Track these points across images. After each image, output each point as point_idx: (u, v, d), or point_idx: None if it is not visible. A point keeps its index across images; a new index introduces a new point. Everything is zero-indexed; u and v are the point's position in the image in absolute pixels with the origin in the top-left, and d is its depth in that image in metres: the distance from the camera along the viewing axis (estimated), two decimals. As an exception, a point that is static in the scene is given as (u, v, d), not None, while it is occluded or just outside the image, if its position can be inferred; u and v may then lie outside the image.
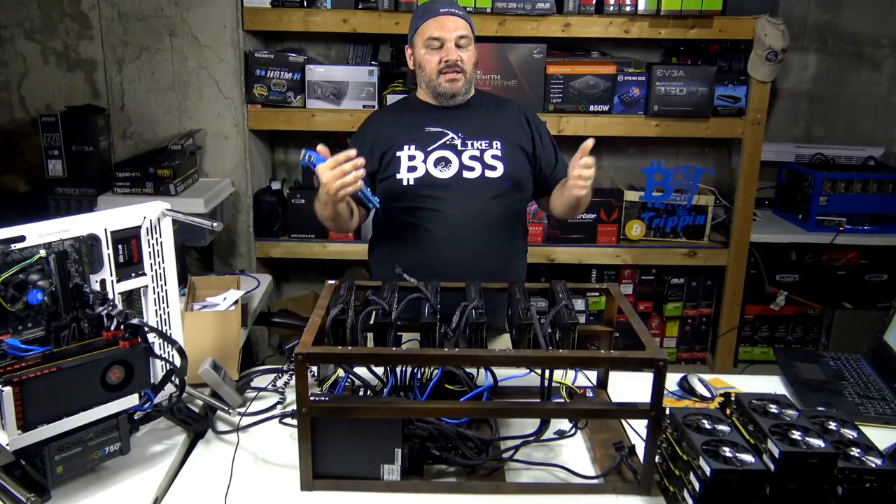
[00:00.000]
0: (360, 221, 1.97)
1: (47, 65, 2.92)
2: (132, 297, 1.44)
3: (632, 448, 1.39)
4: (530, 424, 1.43)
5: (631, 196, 3.08)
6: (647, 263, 3.17)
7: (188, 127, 2.94)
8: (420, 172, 1.91)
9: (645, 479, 1.32)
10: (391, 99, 2.81)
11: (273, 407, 1.58)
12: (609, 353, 1.36)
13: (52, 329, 1.27)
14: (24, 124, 2.97)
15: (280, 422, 1.49)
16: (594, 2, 2.80)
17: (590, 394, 1.66)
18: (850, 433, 1.27)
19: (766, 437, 1.19)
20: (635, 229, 3.10)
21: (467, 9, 2.04)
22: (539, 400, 1.38)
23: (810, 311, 3.31)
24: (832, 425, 1.29)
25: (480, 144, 1.95)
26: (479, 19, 2.68)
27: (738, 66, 3.07)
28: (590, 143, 1.74)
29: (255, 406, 1.59)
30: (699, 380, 1.70)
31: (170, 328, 1.50)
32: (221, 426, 1.52)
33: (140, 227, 1.41)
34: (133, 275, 1.41)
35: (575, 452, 1.44)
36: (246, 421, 1.52)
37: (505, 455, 1.38)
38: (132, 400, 1.28)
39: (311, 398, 1.28)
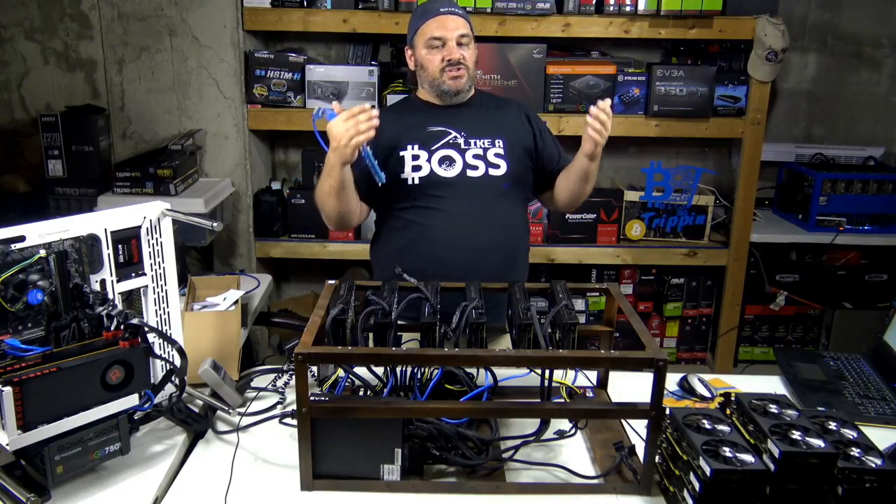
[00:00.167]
0: (362, 218, 1.97)
1: (47, 65, 2.92)
2: (132, 297, 1.44)
3: (632, 448, 1.39)
4: (530, 424, 1.43)
5: (631, 196, 3.08)
6: (647, 263, 3.17)
7: (188, 127, 2.94)
8: (425, 171, 1.91)
9: (645, 479, 1.32)
10: (391, 99, 2.81)
11: (273, 407, 1.58)
12: (609, 353, 1.36)
13: (52, 329, 1.27)
14: (24, 124, 2.97)
15: (280, 422, 1.49)
16: (594, 2, 2.80)
17: (590, 394, 1.66)
18: (850, 433, 1.27)
19: (766, 437, 1.19)
20: (635, 229, 3.10)
21: (467, 9, 2.04)
22: (539, 400, 1.38)
23: (810, 311, 3.31)
24: (832, 425, 1.29)
25: (483, 143, 1.95)
26: (479, 19, 2.69)
27: (738, 66, 3.07)
28: (607, 102, 1.77)
29: (255, 406, 1.59)
30: (699, 380, 1.70)
31: (170, 328, 1.50)
32: (221, 426, 1.52)
33: (140, 227, 1.41)
34: (133, 275, 1.41)
35: (575, 452, 1.44)
36: (246, 421, 1.52)
37: (505, 455, 1.38)
38: (132, 400, 1.28)
39: (311, 398, 1.28)
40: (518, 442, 1.39)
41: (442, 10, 1.94)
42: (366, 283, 1.61)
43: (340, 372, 1.52)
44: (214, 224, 1.59)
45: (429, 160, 1.92)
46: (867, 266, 3.29)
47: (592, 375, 1.72)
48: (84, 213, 1.41)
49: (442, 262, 1.86)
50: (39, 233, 1.26)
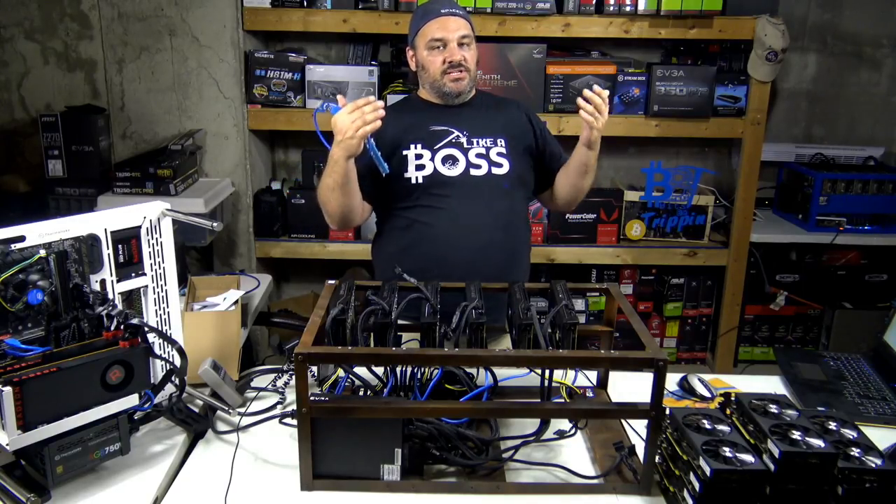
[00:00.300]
0: (364, 216, 1.97)
1: (47, 65, 2.92)
2: (132, 297, 1.44)
3: (632, 448, 1.39)
4: (530, 424, 1.43)
5: (631, 196, 3.08)
6: (647, 263, 3.17)
7: (188, 127, 2.94)
8: (428, 170, 1.91)
9: (645, 479, 1.32)
10: (391, 99, 2.81)
11: (273, 407, 1.58)
12: (609, 353, 1.36)
13: (52, 329, 1.27)
14: (24, 124, 2.97)
15: (280, 422, 1.49)
16: (594, 2, 2.80)
17: (590, 394, 1.66)
18: (850, 433, 1.27)
19: (766, 437, 1.19)
20: (635, 229, 3.10)
21: (467, 9, 2.04)
22: (539, 400, 1.38)
23: (810, 311, 3.31)
24: (832, 425, 1.29)
25: (486, 142, 1.96)
26: (479, 19, 2.68)
27: (738, 66, 3.07)
28: (601, 91, 1.78)
29: (255, 406, 1.59)
30: (699, 380, 1.70)
31: (170, 328, 1.50)
32: (221, 426, 1.52)
33: (140, 227, 1.41)
34: (133, 275, 1.41)
35: (575, 452, 1.44)
36: (246, 421, 1.52)
37: (505, 455, 1.38)
38: (132, 400, 1.28)
39: (311, 398, 1.28)
40: (518, 442, 1.39)
41: (443, 10, 1.94)
42: (366, 283, 1.61)
43: (340, 372, 1.52)
44: (214, 224, 1.59)
45: (432, 159, 1.92)
46: (867, 266, 3.29)
47: (592, 375, 1.72)
48: (84, 213, 1.41)
49: (446, 260, 1.87)
50: (39, 233, 1.26)
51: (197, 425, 1.48)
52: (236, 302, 1.93)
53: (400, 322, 1.44)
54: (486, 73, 2.82)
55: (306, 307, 3.20)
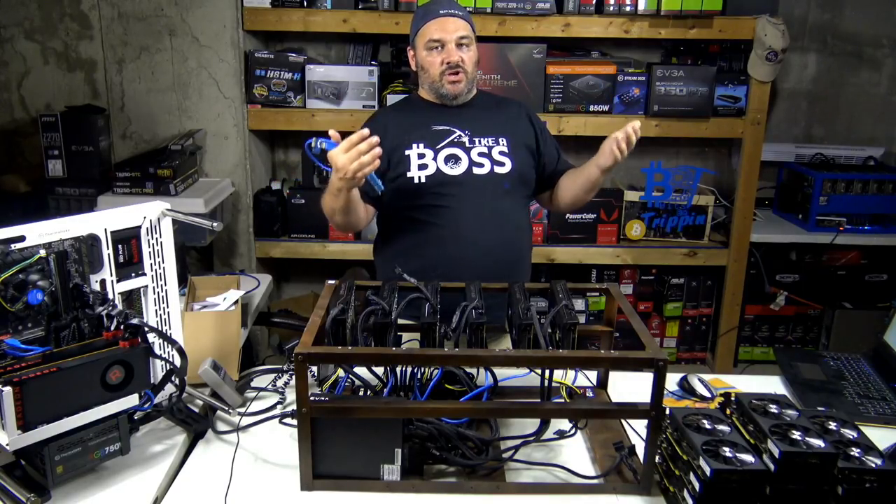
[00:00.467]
0: (369, 219, 1.97)
1: (47, 65, 2.92)
2: (132, 297, 1.44)
3: (632, 448, 1.39)
4: (530, 424, 1.43)
5: (631, 196, 3.08)
6: (647, 263, 3.17)
7: (188, 127, 2.94)
8: (431, 170, 1.91)
9: (645, 479, 1.32)
10: (391, 99, 2.81)
11: (273, 407, 1.58)
12: (609, 353, 1.36)
13: (52, 329, 1.27)
14: (24, 124, 2.97)
15: (280, 422, 1.49)
16: (594, 2, 2.80)
17: (590, 394, 1.66)
18: (850, 433, 1.27)
19: (766, 437, 1.19)
20: (635, 229, 3.10)
21: (467, 9, 2.04)
22: (539, 400, 1.38)
23: (810, 311, 3.31)
24: (832, 425, 1.29)
25: (488, 141, 1.96)
26: (479, 19, 2.68)
27: (738, 66, 3.08)
28: (637, 123, 1.77)
29: (255, 406, 1.59)
30: (699, 380, 1.70)
31: (170, 328, 1.50)
32: (221, 426, 1.52)
33: (140, 227, 1.41)
34: (133, 275, 1.41)
35: (575, 452, 1.44)
36: (246, 421, 1.52)
37: (505, 455, 1.38)
38: (132, 400, 1.28)
39: (311, 398, 1.28)
40: (518, 442, 1.39)
41: (442, 11, 1.94)
42: (366, 283, 1.60)
43: (340, 372, 1.52)
44: (214, 224, 1.59)
45: (434, 159, 1.92)
46: (867, 266, 3.29)
47: (592, 375, 1.72)
48: (84, 213, 1.41)
49: (450, 260, 1.87)
50: (39, 233, 1.26)
51: (197, 425, 1.48)
52: (236, 302, 1.93)
53: (400, 322, 1.44)
54: (486, 73, 2.82)
55: (306, 307, 3.20)
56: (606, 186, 3.21)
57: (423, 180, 1.91)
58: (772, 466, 1.17)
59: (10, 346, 1.19)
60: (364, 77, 2.89)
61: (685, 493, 1.22)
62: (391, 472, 1.32)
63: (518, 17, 2.78)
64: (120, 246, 1.38)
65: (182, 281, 1.76)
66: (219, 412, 1.55)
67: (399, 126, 1.97)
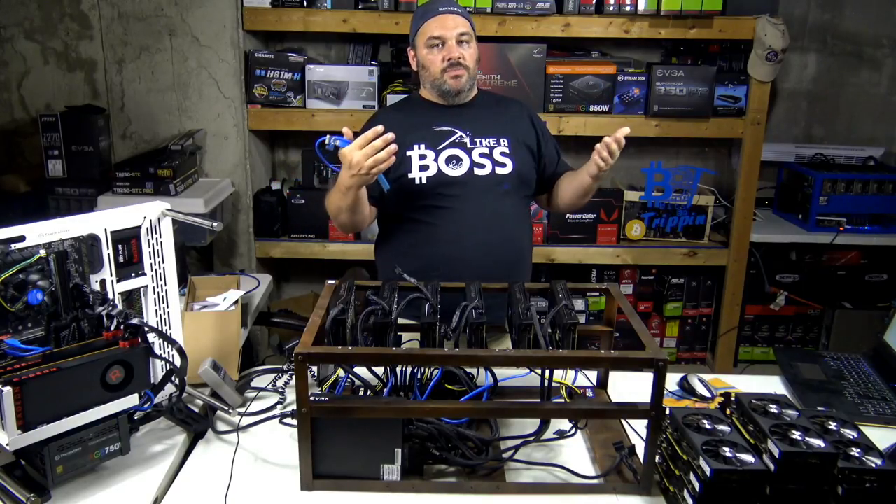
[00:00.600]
0: (371, 220, 1.97)
1: (47, 65, 2.92)
2: (132, 297, 1.44)
3: (632, 448, 1.39)
4: (530, 424, 1.43)
5: (631, 196, 3.08)
6: (647, 263, 3.17)
7: (188, 127, 2.94)
8: (432, 171, 1.91)
9: (645, 479, 1.32)
10: (391, 99, 2.81)
11: (273, 407, 1.58)
12: (609, 353, 1.36)
13: (52, 329, 1.27)
14: (24, 124, 2.97)
15: (280, 422, 1.49)
16: (594, 2, 2.80)
17: (590, 394, 1.66)
18: (850, 433, 1.27)
19: (766, 437, 1.19)
20: (635, 229, 3.10)
21: (467, 9, 2.05)
22: (539, 400, 1.38)
23: (810, 311, 3.31)
24: (832, 425, 1.29)
25: (489, 142, 1.96)
26: (479, 19, 2.68)
27: (738, 66, 3.08)
28: (625, 130, 1.76)
29: (255, 406, 1.59)
30: (699, 380, 1.70)
31: (170, 328, 1.50)
32: (221, 426, 1.52)
33: (140, 227, 1.41)
34: (133, 275, 1.41)
35: (575, 452, 1.44)
36: (246, 421, 1.52)
37: (505, 455, 1.38)
38: (132, 400, 1.28)
39: (311, 398, 1.28)
40: (518, 442, 1.39)
41: (441, 9, 1.94)
42: (366, 283, 1.60)
43: (340, 372, 1.52)
44: (214, 224, 1.59)
45: (436, 159, 1.92)
46: (867, 266, 3.29)
47: (592, 375, 1.72)
48: (84, 213, 1.41)
49: (451, 260, 1.87)
50: (39, 233, 1.26)
51: (197, 425, 1.48)
52: (236, 302, 1.93)
53: (400, 322, 1.44)
54: (486, 73, 2.82)
55: (306, 307, 3.20)
56: (606, 186, 3.22)
57: (424, 181, 1.91)
58: (772, 466, 1.17)
59: (10, 346, 1.19)
60: (364, 77, 2.89)
61: (685, 493, 1.22)
62: (391, 472, 1.32)
63: (518, 17, 2.78)
64: (120, 246, 1.38)
65: (182, 281, 1.76)
66: (219, 412, 1.55)
67: (400, 126, 1.96)
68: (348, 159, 1.62)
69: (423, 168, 1.91)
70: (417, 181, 1.91)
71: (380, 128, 1.61)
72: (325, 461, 1.31)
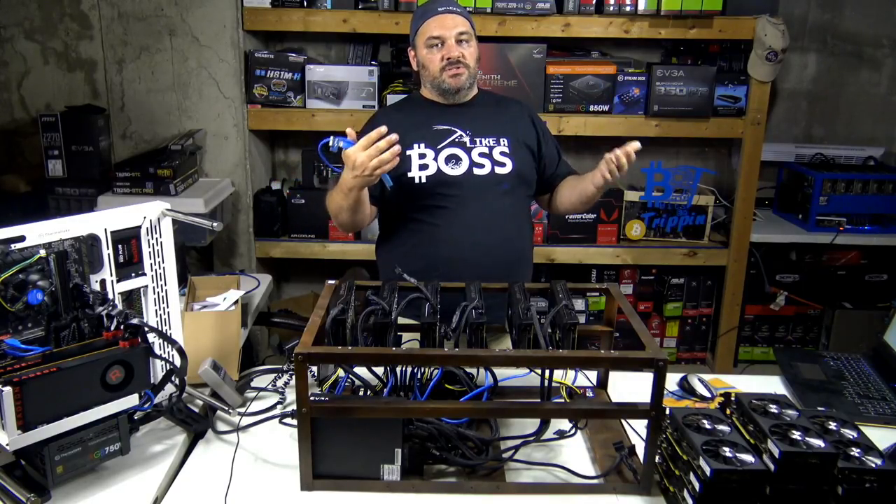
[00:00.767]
0: (372, 219, 1.97)
1: (47, 65, 2.92)
2: (132, 297, 1.44)
3: (632, 448, 1.39)
4: (530, 424, 1.43)
5: (631, 196, 3.08)
6: (647, 263, 3.17)
7: (188, 127, 2.94)
8: (432, 170, 1.91)
9: (645, 479, 1.32)
10: (391, 99, 2.81)
11: (273, 407, 1.58)
12: (609, 353, 1.36)
13: (52, 329, 1.27)
14: (24, 124, 2.97)
15: (280, 422, 1.49)
16: (594, 2, 2.80)
17: (590, 394, 1.66)
18: (850, 433, 1.27)
19: (766, 437, 1.19)
20: (635, 229, 3.10)
21: (467, 9, 2.05)
22: (539, 400, 1.38)
23: (810, 311, 3.31)
24: (832, 425, 1.29)
25: (489, 141, 1.96)
26: (479, 19, 2.68)
27: (738, 66, 3.07)
28: (636, 144, 1.77)
29: (255, 406, 1.59)
30: (699, 380, 1.70)
31: (170, 328, 1.50)
32: (221, 426, 1.52)
33: (140, 227, 1.41)
34: (133, 275, 1.41)
35: (575, 452, 1.44)
36: (246, 421, 1.52)
37: (505, 455, 1.38)
38: (132, 400, 1.28)
39: (311, 398, 1.28)
40: (518, 442, 1.39)
41: (440, 9, 1.94)
42: (366, 283, 1.60)
43: (340, 372, 1.52)
44: (214, 224, 1.59)
45: (435, 159, 1.92)
46: (867, 266, 3.29)
47: (592, 375, 1.72)
48: (84, 213, 1.41)
49: (452, 260, 1.87)
50: (39, 233, 1.26)
51: (197, 425, 1.48)
52: (236, 302, 1.93)
53: (400, 322, 1.44)
54: (486, 73, 2.82)
55: (306, 307, 3.20)
56: (606, 186, 3.22)
57: (423, 180, 1.91)
58: (772, 466, 1.17)
59: (10, 346, 1.19)
60: (364, 77, 2.89)
61: (685, 493, 1.22)
62: (391, 472, 1.32)
63: (518, 17, 2.78)
64: (120, 246, 1.38)
65: (182, 281, 1.76)
66: (219, 412, 1.55)
67: (400, 126, 1.96)
68: (352, 160, 1.63)
69: (423, 167, 1.92)
70: (417, 180, 1.91)
71: (383, 129, 1.62)
72: (325, 461, 1.31)
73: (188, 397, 1.52)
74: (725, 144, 3.35)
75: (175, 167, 2.67)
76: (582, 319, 3.20)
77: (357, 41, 3.17)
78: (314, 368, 1.57)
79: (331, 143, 1.64)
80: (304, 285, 3.50)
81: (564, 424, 1.45)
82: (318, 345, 1.34)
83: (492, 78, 2.85)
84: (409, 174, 1.91)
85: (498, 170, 1.94)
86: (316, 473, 1.32)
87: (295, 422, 1.31)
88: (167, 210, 1.45)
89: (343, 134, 1.65)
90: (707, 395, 1.66)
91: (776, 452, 1.16)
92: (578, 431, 1.46)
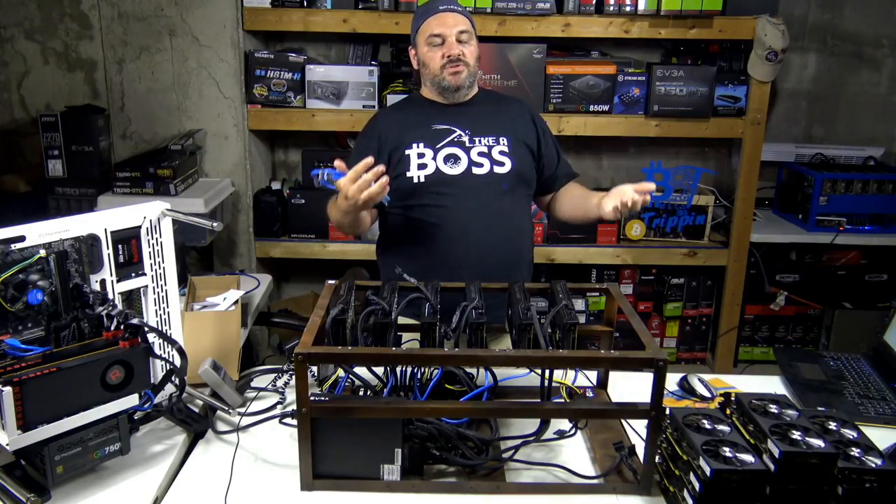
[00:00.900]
0: (373, 221, 1.99)
1: (47, 65, 2.92)
2: (132, 297, 1.44)
3: (632, 448, 1.39)
4: (530, 424, 1.43)
5: (631, 196, 3.08)
6: (647, 263, 3.17)
7: (188, 127, 2.94)
8: (430, 170, 1.91)
9: (645, 479, 1.32)
10: (391, 99, 2.81)
11: (273, 407, 1.58)
12: (609, 353, 1.36)
13: (52, 329, 1.27)
14: (24, 124, 2.97)
15: (280, 422, 1.49)
16: (594, 2, 2.80)
17: (590, 394, 1.66)
18: (850, 433, 1.27)
19: (766, 437, 1.19)
20: (635, 229, 3.10)
21: (467, 9, 2.05)
22: (539, 400, 1.38)
23: (810, 311, 3.31)
24: (832, 425, 1.29)
25: (488, 141, 1.96)
26: (479, 19, 2.68)
27: (738, 66, 3.07)
28: (651, 186, 1.74)
29: (255, 406, 1.59)
30: (699, 380, 1.70)
31: (170, 328, 1.50)
32: (221, 426, 1.52)
33: (140, 227, 1.41)
34: (133, 275, 1.41)
35: (575, 452, 1.44)
36: (246, 421, 1.52)
37: (505, 455, 1.38)
38: (132, 400, 1.28)
39: (311, 398, 1.28)
40: (518, 442, 1.39)
41: (441, 7, 1.95)
42: (366, 283, 1.61)
43: (340, 372, 1.52)
44: (214, 224, 1.59)
45: (434, 158, 1.93)
46: (867, 266, 3.29)
47: (592, 375, 1.72)
48: (84, 213, 1.41)
49: (451, 260, 1.87)
50: (39, 233, 1.26)
51: (197, 425, 1.48)
52: (236, 302, 1.93)
53: (400, 322, 1.44)
54: (486, 73, 2.82)
55: (306, 307, 3.20)
56: (606, 186, 3.21)
57: (422, 180, 1.91)
58: (772, 466, 1.17)
59: (10, 346, 1.19)
60: (364, 77, 2.89)
61: (685, 493, 1.22)
62: (391, 472, 1.32)
63: (518, 17, 2.78)
64: (120, 246, 1.38)
65: (182, 281, 1.76)
66: (219, 412, 1.55)
67: (400, 125, 1.97)
68: (344, 192, 1.64)
69: (422, 167, 1.92)
70: (416, 180, 1.91)
71: (369, 159, 1.62)
72: (325, 461, 1.31)
73: (188, 397, 1.52)
74: (725, 144, 3.35)
75: (175, 167, 2.67)
76: (582, 319, 3.20)
77: (357, 41, 3.17)
78: (314, 368, 1.57)
79: (320, 176, 1.66)
80: (304, 285, 3.50)
81: (564, 424, 1.45)
82: (318, 345, 1.34)
83: (492, 78, 2.85)
84: (408, 174, 1.91)
85: (497, 169, 1.94)
86: (316, 473, 1.32)
87: (295, 422, 1.31)
88: (167, 210, 1.45)
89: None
90: (707, 395, 1.66)
91: (776, 452, 1.16)
92: (578, 431, 1.46)
